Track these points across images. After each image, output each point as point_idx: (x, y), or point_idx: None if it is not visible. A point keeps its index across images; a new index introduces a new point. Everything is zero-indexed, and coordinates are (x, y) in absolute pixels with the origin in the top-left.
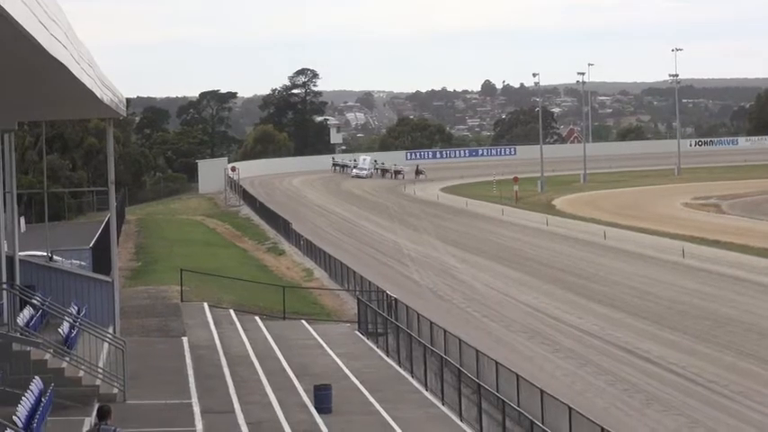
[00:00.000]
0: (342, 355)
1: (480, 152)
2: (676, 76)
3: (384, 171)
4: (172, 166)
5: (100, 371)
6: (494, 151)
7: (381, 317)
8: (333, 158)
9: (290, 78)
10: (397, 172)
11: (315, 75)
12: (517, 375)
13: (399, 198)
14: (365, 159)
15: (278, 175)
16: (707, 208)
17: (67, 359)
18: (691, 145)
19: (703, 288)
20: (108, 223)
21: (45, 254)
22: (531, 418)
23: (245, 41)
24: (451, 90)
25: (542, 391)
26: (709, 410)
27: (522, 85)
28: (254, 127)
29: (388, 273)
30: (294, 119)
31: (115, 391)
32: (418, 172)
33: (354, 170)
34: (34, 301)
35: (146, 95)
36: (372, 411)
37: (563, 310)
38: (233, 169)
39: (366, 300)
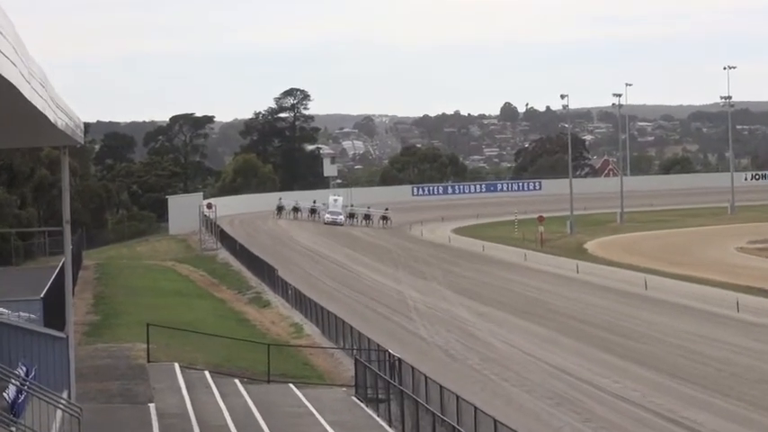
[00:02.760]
0: (336, 425)
1: (499, 187)
2: (729, 98)
3: (352, 215)
4: (138, 203)
5: None
6: (515, 186)
7: (383, 380)
8: (280, 199)
9: (277, 100)
10: (367, 216)
11: (305, 96)
12: None
13: (403, 240)
14: (336, 200)
15: (262, 214)
16: (766, 253)
17: (13, 430)
18: (746, 179)
19: (761, 347)
20: (62, 269)
21: None
22: None
23: (223, 56)
24: (465, 114)
25: None
26: None
27: (548, 108)
28: (234, 156)
29: (391, 328)
30: (281, 147)
31: None
32: (384, 218)
33: (328, 215)
34: None
35: (107, 120)
36: None
37: (596, 372)
38: (209, 206)
39: (365, 360)
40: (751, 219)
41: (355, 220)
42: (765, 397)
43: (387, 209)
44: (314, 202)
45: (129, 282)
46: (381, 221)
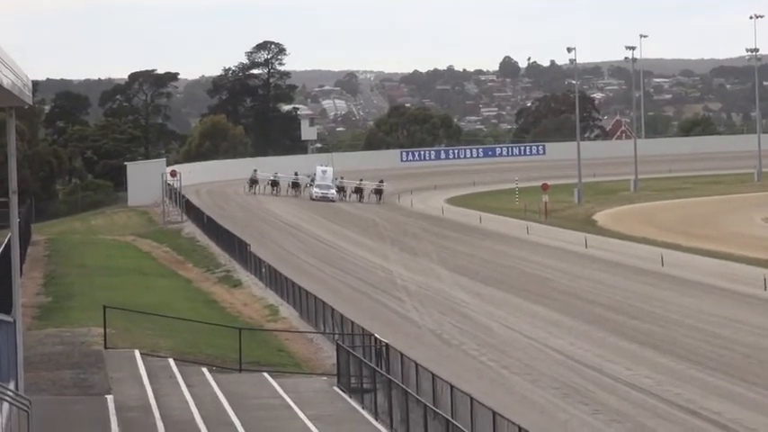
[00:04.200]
0: (317, 419)
1: (498, 151)
2: (756, 51)
3: (340, 189)
4: (93, 171)
5: None
6: (516, 150)
7: (368, 368)
8: (254, 171)
9: (249, 55)
10: (358, 190)
11: (281, 50)
12: None
13: (391, 212)
14: (325, 171)
15: (232, 182)
16: None
17: None
18: None
19: None
20: (8, 245)
21: None
22: None
23: (188, 5)
24: (460, 70)
25: None
26: None
27: (552, 63)
28: (201, 118)
29: (378, 310)
30: (254, 108)
31: None
32: (377, 191)
33: (316, 189)
34: None
35: (59, 77)
36: None
37: (607, 358)
38: (173, 174)
39: (348, 346)
40: None
41: (344, 194)
42: None
43: (381, 181)
44: (295, 174)
45: (84, 259)
46: (375, 195)
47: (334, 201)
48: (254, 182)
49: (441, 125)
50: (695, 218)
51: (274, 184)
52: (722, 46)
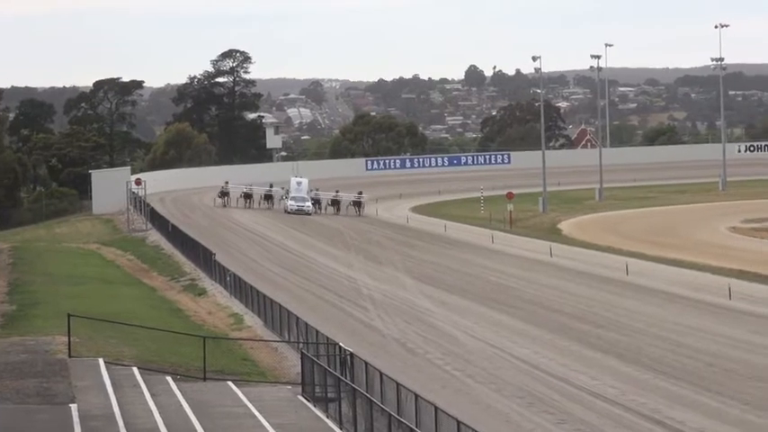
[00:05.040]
0: (281, 428)
1: (463, 160)
2: (721, 60)
3: (316, 201)
4: (57, 178)
5: None
6: (481, 159)
7: (333, 377)
8: (226, 183)
9: (214, 63)
10: (335, 202)
11: (246, 58)
12: None
13: (357, 221)
14: (300, 183)
15: (197, 190)
16: (761, 233)
17: None
18: (740, 150)
19: (756, 339)
20: None
21: None
22: None
23: (154, 14)
24: (426, 78)
25: None
26: None
27: (518, 71)
28: (166, 126)
29: (342, 319)
30: (219, 116)
31: None
32: (356, 203)
33: (291, 202)
34: None
35: (23, 85)
36: None
37: (572, 368)
38: (138, 182)
39: (313, 355)
40: (745, 195)
41: (319, 207)
42: (760, 395)
43: (360, 192)
44: (270, 186)
45: (48, 267)
46: (354, 208)
47: (310, 214)
48: (224, 194)
49: (406, 134)
50: (660, 227)
51: (247, 196)
52: (687, 55)
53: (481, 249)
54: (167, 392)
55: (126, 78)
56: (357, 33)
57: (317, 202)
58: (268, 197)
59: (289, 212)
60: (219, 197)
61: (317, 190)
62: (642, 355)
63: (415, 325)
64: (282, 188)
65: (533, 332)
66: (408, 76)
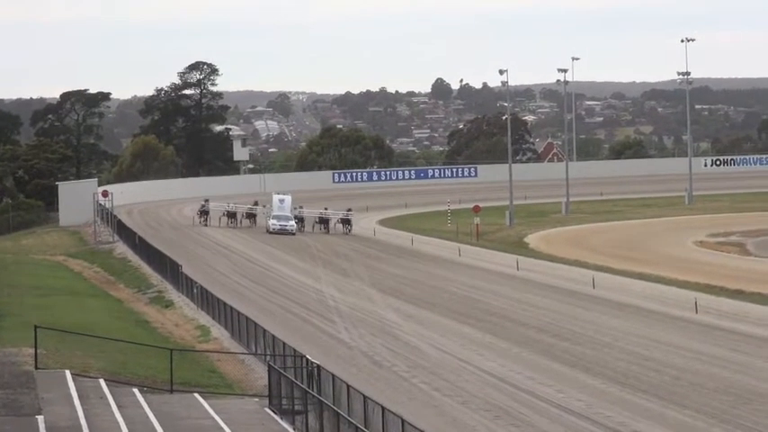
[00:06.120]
0: None
1: (430, 173)
2: (687, 74)
3: (299, 219)
4: (24, 190)
5: None
6: (448, 172)
7: (300, 389)
8: (206, 201)
9: (181, 75)
10: (323, 220)
11: (213, 70)
12: None
13: (324, 234)
14: (283, 200)
15: (164, 203)
16: (727, 248)
17: None
18: (706, 165)
19: (722, 353)
20: None
21: None
22: None
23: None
24: (392, 92)
25: None
26: None
27: (485, 85)
28: (133, 139)
29: (309, 331)
30: (186, 128)
31: None
32: (344, 221)
33: (273, 221)
34: None
35: None
36: None
37: (538, 381)
38: (105, 194)
39: (280, 367)
40: (711, 209)
41: (302, 225)
42: (727, 408)
43: (349, 209)
44: (255, 203)
45: (15, 279)
46: (341, 225)
47: (293, 234)
48: (204, 212)
49: (373, 146)
50: (626, 241)
51: (231, 215)
52: (654, 69)
53: (448, 262)
54: (134, 404)
55: (93, 90)
56: (324, 46)
57: (300, 220)
58: (250, 215)
59: (271, 233)
60: (199, 216)
61: (300, 207)
62: (608, 369)
63: (382, 338)
64: (264, 206)
65: (500, 345)
66: (375, 89)
